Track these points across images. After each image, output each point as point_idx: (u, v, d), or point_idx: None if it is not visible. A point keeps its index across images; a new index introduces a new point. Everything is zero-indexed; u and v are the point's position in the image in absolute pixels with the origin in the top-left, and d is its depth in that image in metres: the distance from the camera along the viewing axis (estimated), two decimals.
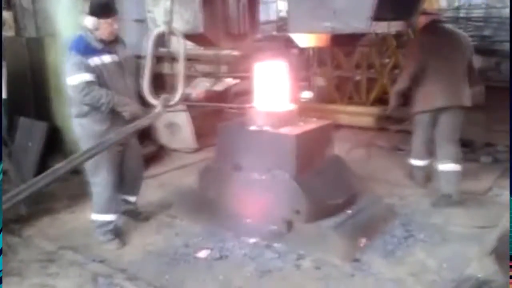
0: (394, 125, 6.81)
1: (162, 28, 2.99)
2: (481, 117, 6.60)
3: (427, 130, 4.56)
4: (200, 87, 3.52)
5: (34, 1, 5.06)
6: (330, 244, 3.47)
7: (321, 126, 3.92)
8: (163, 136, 6.04)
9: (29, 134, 5.21)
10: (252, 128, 3.84)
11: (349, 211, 3.79)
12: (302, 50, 8.10)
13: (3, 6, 5.19)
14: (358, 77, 7.77)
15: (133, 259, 3.54)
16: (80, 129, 3.60)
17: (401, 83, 4.55)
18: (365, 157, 5.83)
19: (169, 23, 2.90)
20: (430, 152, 4.74)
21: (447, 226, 3.91)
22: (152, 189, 4.93)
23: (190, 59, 7.31)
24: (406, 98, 5.26)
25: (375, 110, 7.03)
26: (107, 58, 3.50)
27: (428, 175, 4.79)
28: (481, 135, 6.06)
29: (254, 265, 3.41)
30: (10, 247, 3.70)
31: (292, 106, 3.96)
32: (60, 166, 2.47)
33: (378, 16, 3.06)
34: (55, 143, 5.29)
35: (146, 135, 5.84)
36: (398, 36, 7.49)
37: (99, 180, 3.67)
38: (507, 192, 3.98)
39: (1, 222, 2.69)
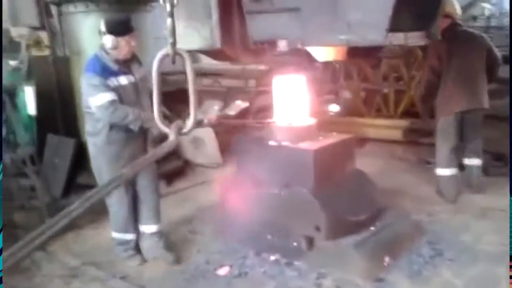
0: (423, 138, 6.66)
1: (165, 49, 2.86)
2: None
3: (452, 136, 4.52)
4: (210, 112, 3.50)
5: (60, 20, 5.18)
6: (351, 263, 3.37)
7: (342, 140, 3.84)
8: (188, 151, 6.05)
9: (57, 151, 5.32)
10: (271, 143, 3.79)
11: (373, 228, 3.68)
12: (328, 63, 8.05)
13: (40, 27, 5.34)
14: (386, 90, 7.64)
15: (153, 276, 3.53)
16: (93, 148, 3.59)
17: (422, 90, 4.58)
18: (392, 171, 5.69)
19: (172, 44, 2.79)
20: (457, 161, 4.68)
21: (476, 244, 3.74)
22: (175, 205, 4.94)
23: (216, 74, 7.38)
24: (433, 110, 5.15)
25: (403, 123, 6.88)
26: (123, 80, 3.47)
27: (458, 187, 4.68)
28: None
29: (274, 283, 3.34)
30: (35, 262, 3.75)
31: (312, 121, 3.90)
32: (74, 208, 2.46)
33: (394, 28, 2.99)
34: (82, 160, 5.37)
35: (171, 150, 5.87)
36: (425, 47, 7.37)
37: (114, 200, 3.64)
38: None
39: (1, 222, 2.72)
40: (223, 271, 3.52)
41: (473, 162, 4.81)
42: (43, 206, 4.61)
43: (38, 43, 5.53)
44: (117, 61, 3.45)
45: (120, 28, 3.40)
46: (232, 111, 3.77)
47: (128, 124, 3.42)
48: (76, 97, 5.31)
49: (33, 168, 5.51)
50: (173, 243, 3.93)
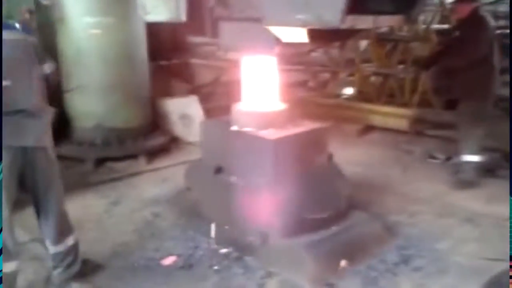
0: (431, 130, 6.22)
1: None
2: None
3: (485, 121, 4.49)
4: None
5: None
6: (301, 264, 3.10)
7: (311, 130, 3.52)
8: (177, 128, 5.85)
9: None
10: (233, 128, 3.52)
11: (334, 228, 3.38)
12: (343, 44, 7.62)
13: None
14: (401, 75, 7.18)
15: (96, 260, 3.35)
16: None
17: (455, 61, 4.47)
18: (389, 163, 5.33)
19: None
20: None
21: (451, 254, 3.38)
22: (149, 183, 4.78)
23: None
24: (453, 102, 4.78)
25: (411, 112, 6.44)
26: None
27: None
28: None
29: (216, 279, 3.12)
30: None
31: (282, 106, 3.59)
32: None
33: (360, 9, 2.63)
34: (64, 130, 5.27)
35: (156, 125, 5.69)
36: (441, 32, 6.83)
37: None
38: None
39: (1, 222, 2.61)
40: (168, 261, 3.32)
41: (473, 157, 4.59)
42: None
43: None
44: None
45: None
46: None
47: None
48: (60, 64, 5.19)
49: None
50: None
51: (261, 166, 3.33)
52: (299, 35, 2.91)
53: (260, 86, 3.55)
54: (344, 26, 2.58)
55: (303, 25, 2.68)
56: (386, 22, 3.12)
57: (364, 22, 2.73)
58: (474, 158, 4.57)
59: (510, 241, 2.46)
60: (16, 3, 5.37)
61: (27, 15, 5.35)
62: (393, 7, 2.92)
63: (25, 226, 3.81)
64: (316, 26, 2.62)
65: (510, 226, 2.75)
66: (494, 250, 3.36)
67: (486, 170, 4.72)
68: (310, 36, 2.86)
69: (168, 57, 6.46)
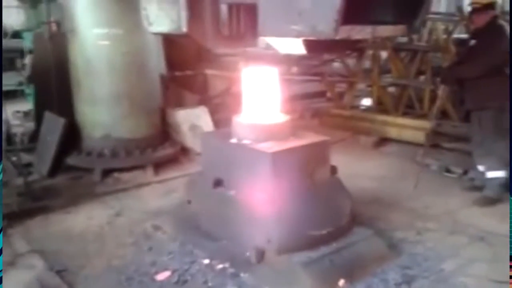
0: (449, 143, 6.01)
1: None
2: None
3: (506, 131, 4.21)
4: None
5: None
6: (297, 283, 2.98)
7: (312, 143, 3.41)
8: (188, 139, 5.81)
9: (50, 129, 5.27)
10: (232, 140, 3.45)
11: (335, 245, 3.26)
12: (361, 55, 7.50)
13: None
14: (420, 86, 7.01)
15: (90, 273, 3.31)
16: None
17: (468, 71, 4.32)
18: (401, 177, 5.16)
19: None
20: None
21: (457, 275, 3.21)
22: (154, 195, 4.75)
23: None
24: (467, 114, 4.64)
25: (428, 124, 6.23)
26: None
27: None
28: None
29: None
30: None
31: (284, 119, 3.50)
32: None
33: (358, 19, 2.54)
34: (73, 140, 5.30)
35: (166, 136, 5.67)
36: (460, 43, 6.62)
37: None
38: None
39: (1, 222, 2.61)
40: (162, 276, 3.24)
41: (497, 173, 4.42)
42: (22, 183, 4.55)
43: None
44: None
45: None
46: None
47: None
48: (71, 74, 5.25)
49: (30, 145, 5.55)
50: None
51: (259, 180, 3.24)
52: (295, 45, 2.83)
53: (261, 97, 3.48)
54: (340, 36, 2.48)
55: (297, 36, 2.60)
56: (386, 32, 3.00)
57: (362, 32, 2.63)
58: (499, 174, 4.39)
59: (510, 241, 2.45)
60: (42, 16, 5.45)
61: (54, 28, 5.41)
62: (394, 16, 2.81)
63: (27, 237, 3.84)
64: (311, 37, 2.53)
65: (510, 226, 2.74)
66: (504, 272, 3.12)
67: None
68: (308, 47, 2.76)
69: (192, 68, 6.47)
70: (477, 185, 4.65)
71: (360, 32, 2.62)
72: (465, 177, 5.13)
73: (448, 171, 5.41)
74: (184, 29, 3.45)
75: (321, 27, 2.46)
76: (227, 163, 3.47)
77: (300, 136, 3.52)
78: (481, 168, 4.58)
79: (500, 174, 4.39)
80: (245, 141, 3.38)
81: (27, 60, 5.97)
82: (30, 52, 5.72)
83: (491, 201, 4.37)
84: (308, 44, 2.78)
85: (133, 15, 4.89)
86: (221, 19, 3.58)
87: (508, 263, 3.10)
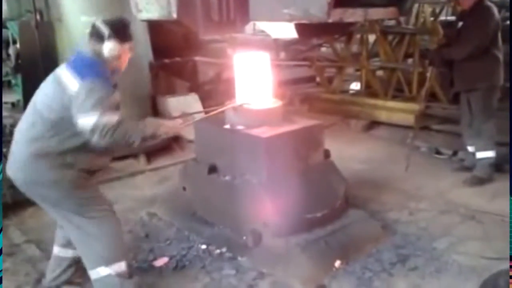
0: (438, 124, 6.09)
1: None
2: None
3: (495, 111, 4.40)
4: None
5: None
6: (294, 265, 3.03)
7: (306, 127, 3.44)
8: None
9: None
10: (226, 126, 3.46)
11: (330, 227, 3.30)
12: (349, 39, 7.51)
13: None
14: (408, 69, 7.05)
15: None
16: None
17: (455, 52, 4.37)
18: (392, 159, 5.22)
19: None
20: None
21: (450, 253, 3.28)
22: (149, 183, 4.76)
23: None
24: (455, 96, 4.68)
25: (417, 106, 6.29)
26: (118, 96, 2.67)
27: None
28: None
29: (207, 280, 3.07)
30: None
31: (276, 104, 3.52)
32: None
33: (350, 2, 2.55)
34: None
35: None
36: (447, 25, 6.67)
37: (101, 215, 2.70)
38: None
39: (1, 222, 2.60)
40: (160, 262, 3.28)
41: (486, 153, 4.48)
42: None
43: None
44: (112, 73, 2.67)
45: (126, 32, 2.66)
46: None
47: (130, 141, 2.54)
48: (58, 64, 5.18)
49: None
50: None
51: (254, 165, 3.27)
52: (287, 29, 2.84)
53: (253, 83, 3.48)
54: (332, 19, 2.50)
55: (290, 20, 2.61)
56: (377, 15, 3.01)
57: (354, 15, 2.64)
58: (488, 154, 4.45)
59: (510, 241, 2.42)
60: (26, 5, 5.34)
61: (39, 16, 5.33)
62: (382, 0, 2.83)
63: (22, 228, 3.84)
64: (303, 20, 2.54)
65: (510, 226, 2.76)
66: (495, 249, 3.25)
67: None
68: (300, 31, 2.77)
69: (180, 55, 6.41)
70: (467, 166, 4.72)
71: (352, 15, 2.64)
72: (455, 158, 5.21)
73: (438, 152, 5.48)
74: (175, 15, 3.43)
75: (313, 10, 2.47)
76: (221, 149, 3.49)
77: (293, 120, 3.54)
78: (470, 148, 4.65)
79: (490, 154, 4.45)
80: (239, 127, 3.39)
81: (11, 50, 5.87)
82: (14, 42, 5.63)
83: (481, 181, 4.44)
84: (300, 28, 2.79)
85: (120, 3, 4.85)
86: (212, 4, 3.57)
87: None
